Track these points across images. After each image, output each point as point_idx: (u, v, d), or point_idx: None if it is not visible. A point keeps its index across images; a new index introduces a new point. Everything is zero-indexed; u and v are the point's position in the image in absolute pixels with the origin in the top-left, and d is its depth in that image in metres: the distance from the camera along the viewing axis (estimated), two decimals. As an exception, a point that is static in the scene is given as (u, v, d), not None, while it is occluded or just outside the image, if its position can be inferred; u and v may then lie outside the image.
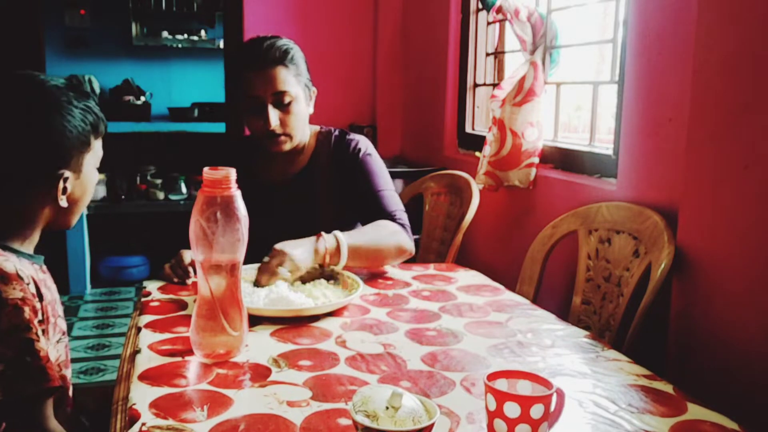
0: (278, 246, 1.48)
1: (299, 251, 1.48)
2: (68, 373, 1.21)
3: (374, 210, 1.73)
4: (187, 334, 1.17)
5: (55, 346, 1.14)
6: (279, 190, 1.78)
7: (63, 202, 1.14)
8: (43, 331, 1.08)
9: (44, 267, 1.19)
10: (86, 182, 1.19)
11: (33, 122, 1.11)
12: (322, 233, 1.55)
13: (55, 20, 4.61)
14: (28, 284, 1.06)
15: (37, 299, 1.08)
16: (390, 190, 1.78)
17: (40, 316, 1.07)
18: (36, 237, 1.18)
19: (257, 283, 1.45)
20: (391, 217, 1.72)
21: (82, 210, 1.23)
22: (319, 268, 1.55)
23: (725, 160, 1.41)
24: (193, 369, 1.10)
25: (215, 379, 1.06)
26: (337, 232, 1.56)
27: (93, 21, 4.81)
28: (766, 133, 1.31)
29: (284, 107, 1.65)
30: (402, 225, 1.72)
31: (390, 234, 1.67)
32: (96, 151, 1.20)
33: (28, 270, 1.09)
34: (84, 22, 4.77)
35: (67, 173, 1.14)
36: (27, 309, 1.02)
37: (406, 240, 1.69)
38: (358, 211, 1.77)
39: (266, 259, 1.47)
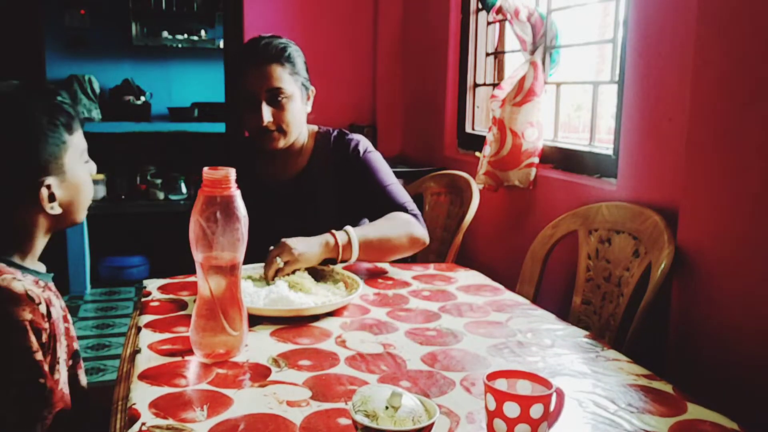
0: (288, 241, 1.51)
1: (302, 244, 1.51)
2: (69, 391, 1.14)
3: (384, 204, 1.74)
4: (187, 334, 1.17)
5: (66, 366, 1.11)
6: (279, 190, 1.78)
7: (54, 210, 1.10)
8: (54, 351, 1.06)
9: (50, 284, 1.15)
10: (76, 180, 1.14)
11: None
12: (333, 230, 1.57)
13: (55, 20, 4.61)
14: (39, 304, 1.03)
15: (46, 320, 1.05)
16: (396, 184, 1.80)
17: (45, 338, 1.04)
18: (37, 248, 1.14)
19: (265, 277, 1.49)
20: (402, 208, 1.74)
21: (85, 204, 1.18)
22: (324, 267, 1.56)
23: (725, 160, 1.41)
24: (193, 369, 1.10)
25: (215, 379, 1.06)
26: (347, 227, 1.59)
27: (93, 21, 4.81)
28: (766, 133, 1.31)
29: (278, 104, 1.65)
30: (414, 215, 1.74)
31: (402, 225, 1.68)
32: (76, 146, 1.14)
33: (36, 289, 1.06)
34: (84, 22, 4.77)
35: (49, 180, 1.09)
36: (35, 330, 1.00)
37: (418, 229, 1.70)
38: (367, 208, 1.78)
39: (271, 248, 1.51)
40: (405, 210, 1.74)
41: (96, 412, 1.20)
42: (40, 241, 1.15)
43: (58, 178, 1.11)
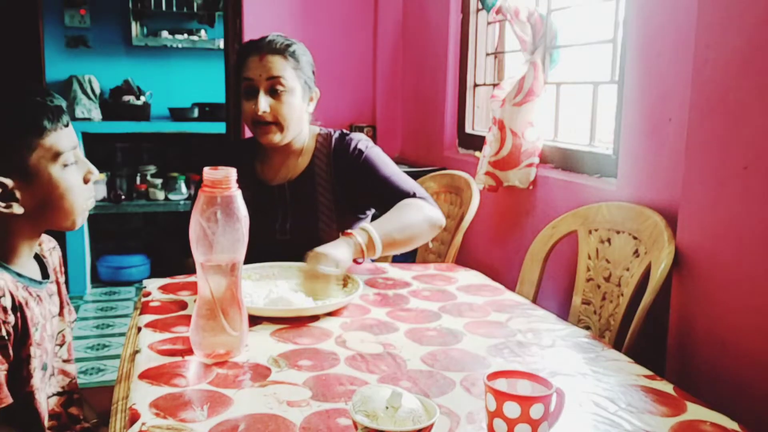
0: (320, 250, 1.46)
1: (340, 252, 1.46)
2: (42, 400, 1.12)
3: (391, 195, 1.71)
4: (187, 334, 1.17)
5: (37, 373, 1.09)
6: (280, 191, 1.78)
7: (14, 209, 1.07)
8: (7, 347, 1.03)
9: (38, 290, 1.13)
10: (48, 183, 1.08)
11: None
12: (351, 231, 1.54)
13: (55, 20, 4.61)
14: (1, 296, 1.01)
15: (9, 314, 1.03)
16: (399, 174, 1.77)
17: (3, 331, 1.02)
18: (19, 251, 1.12)
19: (312, 295, 1.41)
20: (410, 195, 1.71)
21: (70, 208, 1.12)
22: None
23: (725, 160, 1.41)
24: (193, 369, 1.10)
25: (215, 379, 1.06)
26: (366, 225, 1.56)
27: (93, 21, 4.81)
28: (766, 133, 1.31)
29: (276, 94, 1.65)
30: (423, 198, 1.71)
31: (417, 211, 1.65)
32: (49, 149, 1.07)
33: (7, 284, 1.04)
34: (84, 22, 4.76)
35: (5, 181, 1.05)
36: None
37: (433, 212, 1.68)
38: (377, 203, 1.76)
39: (305, 266, 1.45)
40: (413, 196, 1.71)
41: None
42: (23, 245, 1.12)
43: (23, 179, 1.07)
